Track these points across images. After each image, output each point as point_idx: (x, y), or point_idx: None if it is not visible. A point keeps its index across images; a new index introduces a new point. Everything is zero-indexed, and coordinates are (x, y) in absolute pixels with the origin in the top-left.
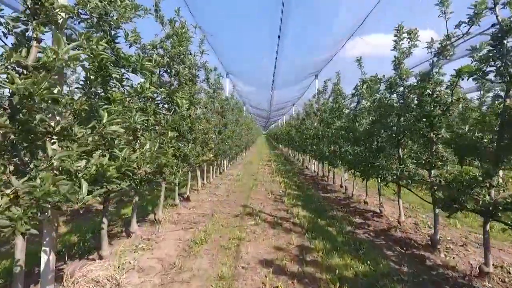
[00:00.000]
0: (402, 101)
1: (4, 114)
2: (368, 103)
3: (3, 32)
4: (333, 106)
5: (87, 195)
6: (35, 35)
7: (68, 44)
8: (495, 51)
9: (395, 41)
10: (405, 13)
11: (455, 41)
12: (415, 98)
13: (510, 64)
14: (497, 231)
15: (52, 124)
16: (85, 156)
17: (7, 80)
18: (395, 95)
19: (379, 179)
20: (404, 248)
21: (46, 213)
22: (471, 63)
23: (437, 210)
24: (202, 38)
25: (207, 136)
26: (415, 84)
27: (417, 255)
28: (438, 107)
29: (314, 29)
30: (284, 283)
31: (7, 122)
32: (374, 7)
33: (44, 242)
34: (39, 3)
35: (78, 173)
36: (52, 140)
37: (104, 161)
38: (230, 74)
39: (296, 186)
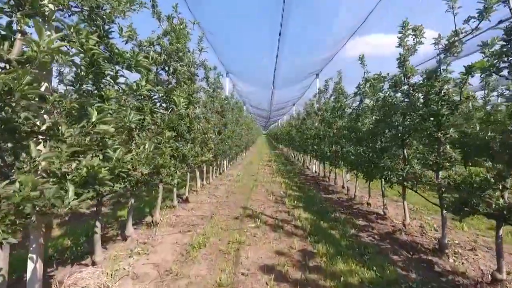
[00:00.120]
0: (407, 100)
1: None
2: (372, 102)
3: None
4: (335, 105)
5: (76, 198)
6: (19, 28)
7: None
8: (509, 46)
9: (400, 37)
10: (405, 13)
11: (463, 37)
12: (421, 97)
13: None
14: (505, 234)
15: (38, 123)
16: (76, 157)
17: None
18: (399, 94)
19: (383, 180)
20: (411, 253)
21: (31, 219)
22: (483, 59)
23: (444, 213)
24: (201, 36)
25: (206, 136)
26: (421, 82)
27: (425, 260)
28: (446, 105)
29: (314, 28)
30: None
31: None
32: (375, 7)
33: (31, 249)
34: None
35: (67, 175)
36: (39, 140)
37: (96, 162)
38: (230, 74)
39: (297, 187)
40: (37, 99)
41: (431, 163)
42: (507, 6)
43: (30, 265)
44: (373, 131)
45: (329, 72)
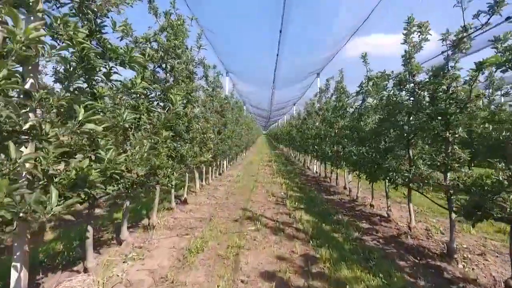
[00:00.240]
0: (412, 99)
1: None
2: (375, 101)
3: None
4: (336, 104)
5: (61, 204)
6: (0, 18)
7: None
8: None
9: (405, 34)
10: (405, 13)
11: (472, 32)
12: (427, 95)
13: None
14: None
15: (21, 121)
16: (66, 158)
17: None
18: (404, 92)
19: (387, 181)
20: (418, 258)
21: (12, 226)
22: (496, 54)
23: (454, 217)
24: (199, 33)
25: (205, 136)
26: (427, 80)
27: (433, 265)
28: (454, 104)
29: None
30: None
31: None
32: (375, 6)
33: (15, 257)
34: None
35: (55, 178)
36: (23, 141)
37: (85, 163)
38: (230, 73)
39: (298, 187)
40: (21, 96)
41: (438, 164)
42: None
43: (13, 275)
44: (376, 131)
45: (329, 73)
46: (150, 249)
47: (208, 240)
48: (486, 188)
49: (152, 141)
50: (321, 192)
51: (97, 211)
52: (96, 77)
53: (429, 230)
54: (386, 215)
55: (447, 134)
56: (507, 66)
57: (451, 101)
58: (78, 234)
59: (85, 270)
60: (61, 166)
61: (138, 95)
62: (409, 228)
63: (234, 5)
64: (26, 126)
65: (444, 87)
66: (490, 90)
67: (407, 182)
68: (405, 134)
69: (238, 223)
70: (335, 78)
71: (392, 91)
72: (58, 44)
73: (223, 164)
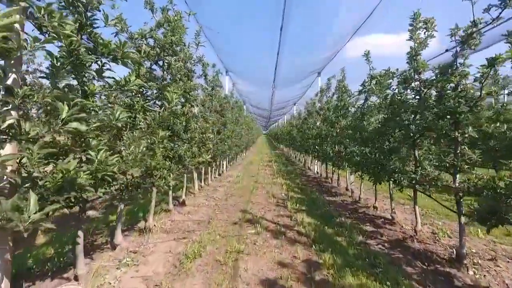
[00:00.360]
0: (418, 97)
1: None
2: (378, 100)
3: None
4: (338, 104)
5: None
6: None
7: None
8: None
9: (410, 30)
10: (405, 13)
11: (482, 27)
12: (434, 93)
13: None
14: None
15: None
16: (54, 160)
17: None
18: (409, 91)
19: (391, 183)
20: (426, 263)
21: None
22: (510, 48)
23: (462, 220)
24: (198, 30)
25: (204, 136)
26: (434, 78)
27: (442, 272)
28: (464, 102)
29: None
30: None
31: None
32: (376, 6)
33: None
34: None
35: (39, 181)
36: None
37: (72, 165)
38: (230, 72)
39: (299, 188)
40: (2, 92)
41: (447, 165)
42: None
43: None
44: (380, 131)
45: (329, 73)
46: (145, 254)
47: (206, 245)
48: (498, 190)
49: (149, 141)
50: (322, 193)
51: (92, 213)
52: (88, 74)
53: (436, 233)
54: (390, 218)
55: (456, 133)
56: None
57: (460, 99)
58: (71, 237)
59: (76, 278)
60: (49, 168)
61: (133, 94)
62: (415, 231)
63: (234, 5)
64: (4, 125)
65: (453, 84)
66: (495, 89)
67: (413, 184)
68: (411, 134)
69: (237, 226)
70: (336, 77)
71: (396, 89)
72: (45, 37)
73: (222, 164)
